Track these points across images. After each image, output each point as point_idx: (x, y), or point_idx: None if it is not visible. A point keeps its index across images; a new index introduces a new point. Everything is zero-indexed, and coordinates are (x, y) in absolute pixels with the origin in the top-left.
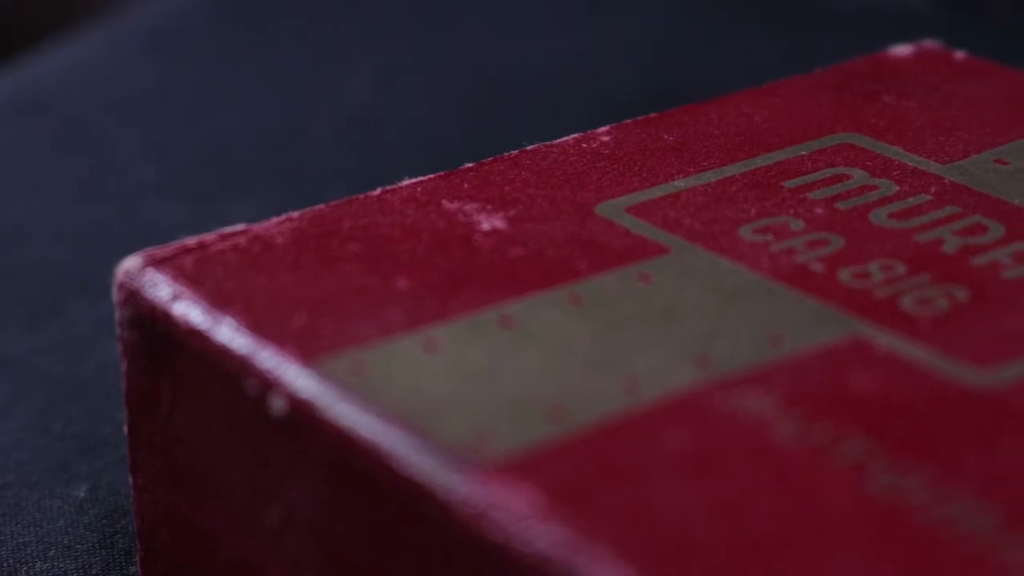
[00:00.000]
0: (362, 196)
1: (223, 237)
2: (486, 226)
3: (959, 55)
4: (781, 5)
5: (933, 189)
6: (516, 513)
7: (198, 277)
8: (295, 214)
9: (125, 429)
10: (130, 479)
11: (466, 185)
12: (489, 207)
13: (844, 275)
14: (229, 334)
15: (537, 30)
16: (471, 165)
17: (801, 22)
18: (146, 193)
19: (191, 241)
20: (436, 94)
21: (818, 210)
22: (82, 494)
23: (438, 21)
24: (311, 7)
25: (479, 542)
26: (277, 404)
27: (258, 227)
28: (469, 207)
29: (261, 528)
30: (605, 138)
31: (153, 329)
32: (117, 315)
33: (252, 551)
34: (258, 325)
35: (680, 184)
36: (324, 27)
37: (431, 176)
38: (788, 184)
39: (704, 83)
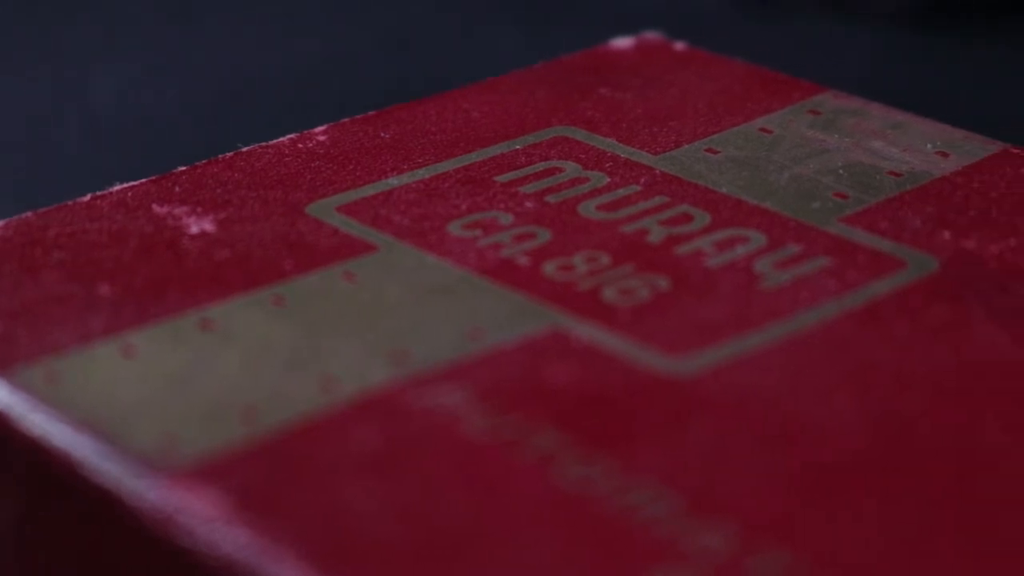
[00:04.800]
0: (71, 203)
1: None
2: (195, 229)
3: (679, 46)
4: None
5: (643, 180)
6: (202, 517)
7: None
8: (0, 222)
9: None
10: None
11: (177, 188)
12: (199, 210)
13: (549, 268)
14: None
15: (285, 30)
16: (184, 168)
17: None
18: None
19: None
20: (182, 95)
21: (528, 204)
22: None
23: (183, 22)
24: (54, 7)
25: (169, 547)
26: None
27: None
28: (179, 210)
29: None
30: (321, 137)
31: None
32: None
33: None
34: None
35: (393, 182)
36: (67, 27)
37: (143, 180)
38: (500, 179)
39: (454, 81)
